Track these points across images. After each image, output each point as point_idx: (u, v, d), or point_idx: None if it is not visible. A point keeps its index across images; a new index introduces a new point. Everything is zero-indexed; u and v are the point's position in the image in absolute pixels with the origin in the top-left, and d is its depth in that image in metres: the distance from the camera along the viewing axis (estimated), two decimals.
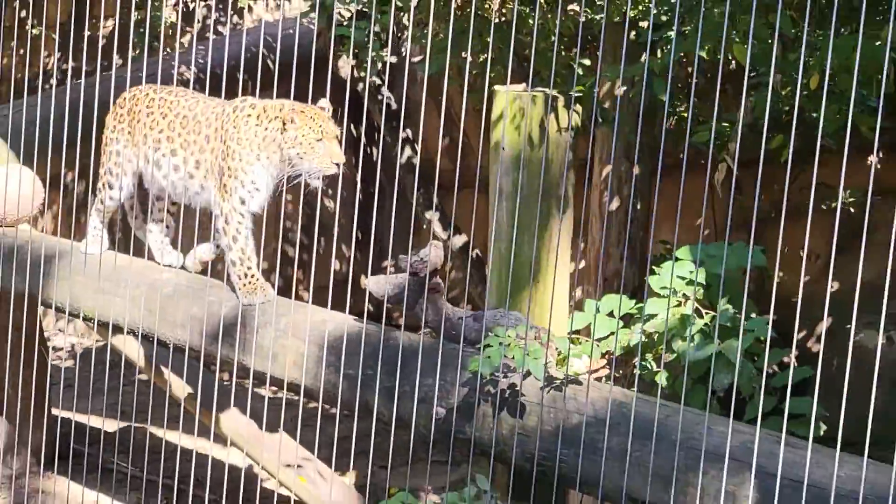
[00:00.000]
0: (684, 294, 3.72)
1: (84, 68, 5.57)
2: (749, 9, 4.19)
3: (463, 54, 5.14)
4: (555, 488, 3.35)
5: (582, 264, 6.08)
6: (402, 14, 5.55)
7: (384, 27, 5.62)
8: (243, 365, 4.07)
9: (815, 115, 4.74)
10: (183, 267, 4.54)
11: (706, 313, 3.69)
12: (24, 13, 7.91)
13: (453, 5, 4.94)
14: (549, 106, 3.89)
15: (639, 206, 5.29)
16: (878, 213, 3.58)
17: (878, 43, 4.11)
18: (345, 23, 5.75)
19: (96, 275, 4.49)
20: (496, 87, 4.17)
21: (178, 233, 4.74)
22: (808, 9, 2.78)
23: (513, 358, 3.37)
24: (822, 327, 4.86)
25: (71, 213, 7.05)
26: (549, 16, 4.94)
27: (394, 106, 6.48)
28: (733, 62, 4.92)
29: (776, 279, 5.57)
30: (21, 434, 5.84)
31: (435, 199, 6.41)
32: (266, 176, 4.13)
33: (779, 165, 3.76)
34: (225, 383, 5.40)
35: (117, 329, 4.55)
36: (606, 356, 3.70)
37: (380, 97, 6.47)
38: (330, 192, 6.96)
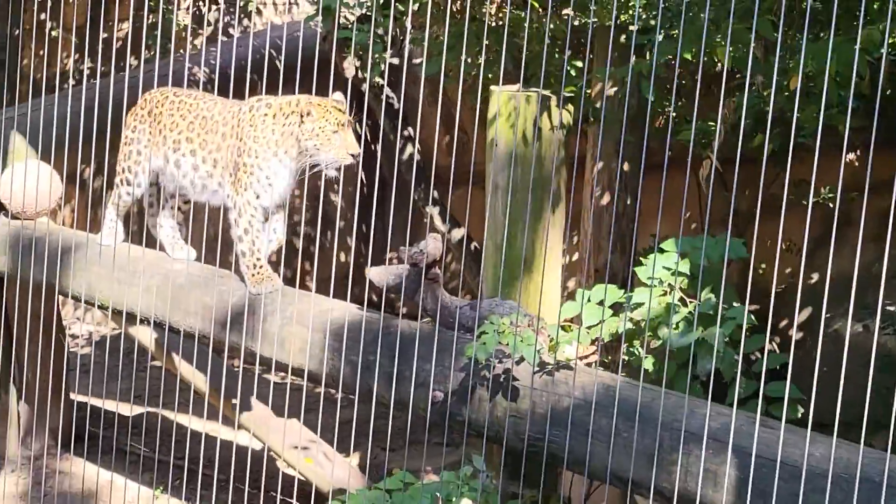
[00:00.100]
0: (669, 284, 3.75)
1: (100, 69, 5.59)
2: (734, 14, 4.23)
3: (461, 56, 5.17)
4: (543, 467, 3.36)
5: (575, 256, 6.12)
6: (402, 17, 5.58)
7: (386, 30, 5.65)
8: (251, 351, 4.08)
9: (798, 115, 4.78)
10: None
11: (690, 302, 3.72)
12: (43, 16, 7.93)
13: (448, 11, 4.98)
14: (541, 105, 3.90)
15: (628, 201, 5.31)
16: (857, 208, 3.61)
17: (856, 47, 4.14)
18: (349, 26, 5.77)
19: (112, 265, 4.51)
20: (492, 88, 4.19)
21: (189, 228, 4.77)
22: (781, 13, 2.80)
23: (507, 344, 3.37)
24: (795, 316, 4.89)
25: (88, 206, 7.08)
26: (544, 20, 4.96)
27: (396, 105, 6.50)
28: (720, 64, 4.95)
29: (759, 271, 5.62)
30: (40, 417, 5.87)
31: (435, 194, 6.43)
32: (283, 171, 4.13)
33: (762, 163, 3.78)
34: (234, 369, 5.44)
35: (132, 317, 4.56)
36: (595, 343, 3.73)
37: (382, 97, 6.50)
38: (336, 187, 6.98)
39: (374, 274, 3.79)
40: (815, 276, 5.51)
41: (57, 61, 8.13)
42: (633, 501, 3.77)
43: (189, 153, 4.36)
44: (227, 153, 4.25)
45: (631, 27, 4.89)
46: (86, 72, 7.93)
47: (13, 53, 7.99)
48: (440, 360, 3.57)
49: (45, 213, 5.11)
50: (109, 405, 6.21)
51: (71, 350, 6.99)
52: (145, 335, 4.79)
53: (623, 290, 3.86)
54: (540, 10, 5.33)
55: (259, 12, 7.90)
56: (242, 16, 7.87)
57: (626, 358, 3.87)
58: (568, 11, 5.42)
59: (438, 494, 3.44)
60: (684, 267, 3.74)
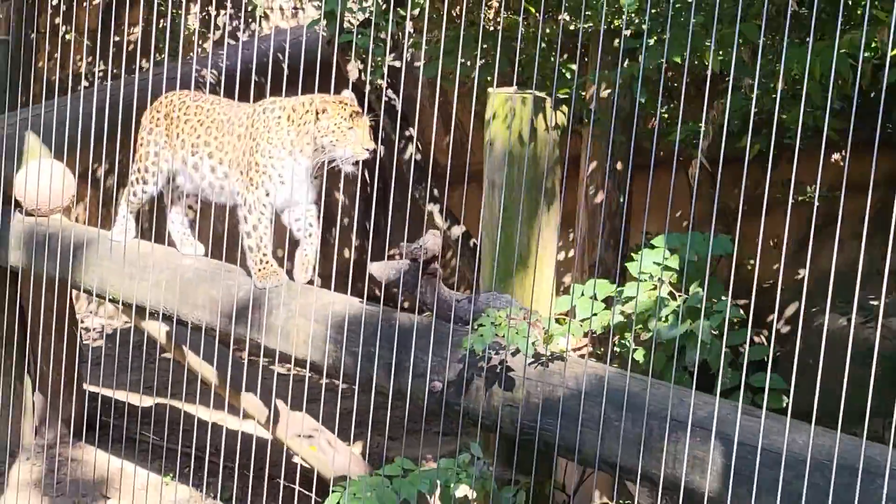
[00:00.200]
0: (658, 279, 3.76)
1: (113, 71, 5.60)
2: (723, 19, 4.25)
3: (461, 59, 5.19)
4: (535, 454, 3.38)
5: (571, 252, 6.14)
6: (403, 22, 5.60)
7: (387, 34, 5.67)
8: (257, 343, 4.10)
9: (783, 116, 4.79)
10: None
11: (678, 296, 3.74)
12: (58, 20, 7.95)
13: (445, 16, 5.00)
14: (536, 107, 3.92)
15: (621, 199, 5.33)
16: (842, 206, 3.62)
17: (842, 50, 4.16)
18: (352, 30, 5.79)
19: (123, 261, 4.53)
20: (489, 90, 4.21)
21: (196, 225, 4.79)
22: (763, 18, 2.82)
23: (503, 336, 3.39)
24: (776, 309, 4.90)
25: (101, 204, 7.10)
26: (540, 25, 4.98)
27: (397, 106, 6.53)
28: (712, 68, 4.96)
29: (748, 267, 5.64)
30: (54, 407, 5.89)
31: (434, 192, 6.45)
32: (298, 169, 4.13)
33: (751, 162, 3.81)
34: (241, 360, 5.46)
35: (142, 311, 4.58)
36: (588, 335, 3.75)
37: (383, 98, 6.52)
38: (341, 185, 7.00)
39: (375, 269, 3.81)
40: (802, 272, 5.53)
41: (70, 64, 8.15)
42: (623, 487, 3.79)
43: (207, 156, 4.37)
44: (239, 153, 4.26)
45: (624, 31, 4.90)
46: (98, 74, 7.96)
47: (28, 56, 8.01)
48: (438, 352, 3.59)
49: (58, 210, 5.12)
50: (121, 395, 6.24)
51: (84, 342, 7.02)
52: (155, 328, 4.82)
53: (614, 285, 3.88)
54: (537, 14, 5.35)
55: (266, 17, 7.92)
56: (250, 20, 7.89)
57: (617, 350, 3.88)
58: (563, 16, 5.43)
59: (437, 480, 3.46)
60: (673, 262, 3.76)
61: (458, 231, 6.43)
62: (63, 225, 5.00)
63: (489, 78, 5.09)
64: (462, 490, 3.58)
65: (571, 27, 5.52)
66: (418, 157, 6.58)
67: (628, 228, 5.41)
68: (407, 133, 6.60)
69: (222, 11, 8.01)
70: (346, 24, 5.85)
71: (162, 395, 6.27)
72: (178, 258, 4.53)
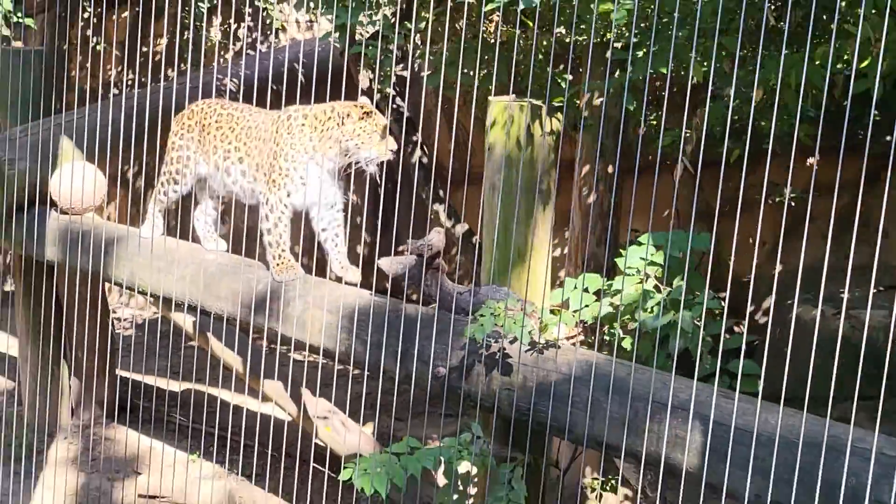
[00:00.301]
0: (645, 273, 3.82)
1: (140, 80, 5.65)
2: (706, 33, 4.30)
3: (464, 70, 5.23)
4: (529, 433, 3.43)
5: (565, 249, 6.19)
6: (410, 34, 5.65)
7: (398, 45, 5.72)
8: (275, 331, 4.12)
9: (762, 123, 4.85)
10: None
11: (663, 288, 3.80)
12: (89, 32, 8.01)
13: (447, 30, 5.05)
14: (532, 114, 3.96)
15: (612, 200, 5.38)
16: (816, 206, 3.68)
17: (816, 62, 4.21)
18: (364, 42, 5.85)
19: (151, 256, 4.55)
20: (490, 98, 4.26)
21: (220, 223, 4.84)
22: (740, 32, 2.89)
23: (501, 326, 3.41)
24: (749, 302, 4.94)
25: (130, 203, 7.17)
26: (536, 38, 5.03)
27: (405, 113, 6.58)
28: (695, 78, 5.02)
29: (729, 263, 5.69)
30: (89, 391, 5.94)
31: (440, 193, 6.50)
32: (320, 172, 4.14)
33: (731, 166, 3.86)
34: (260, 348, 5.53)
35: (169, 302, 4.60)
36: (580, 324, 3.80)
37: (393, 105, 6.58)
38: (354, 187, 7.07)
39: (384, 264, 3.85)
40: (780, 267, 5.58)
41: (101, 73, 8.21)
42: (610, 463, 3.85)
43: (237, 161, 4.40)
44: (263, 157, 4.28)
45: (615, 44, 4.96)
46: (126, 82, 8.03)
47: (61, 66, 8.07)
48: (442, 340, 3.62)
49: (91, 208, 5.14)
50: (150, 380, 6.26)
51: (116, 331, 7.07)
52: (181, 318, 4.84)
53: (604, 279, 3.93)
54: (535, 28, 5.40)
55: (283, 29, 7.97)
56: (268, 33, 7.94)
57: (606, 338, 3.94)
58: (559, 30, 5.48)
59: (441, 457, 3.52)
60: (658, 258, 3.82)
61: (461, 229, 6.48)
62: (95, 223, 5.03)
63: (489, 87, 5.14)
64: (464, 466, 3.64)
65: (566, 40, 5.57)
66: (424, 160, 6.64)
67: (618, 227, 5.46)
68: (413, 138, 6.65)
69: (242, 24, 8.07)
70: (357, 37, 5.89)
71: (188, 380, 6.31)
72: (202, 253, 4.55)
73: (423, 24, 5.53)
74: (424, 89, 5.40)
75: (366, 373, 4.05)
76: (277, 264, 4.23)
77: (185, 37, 7.29)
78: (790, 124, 4.63)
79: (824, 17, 4.45)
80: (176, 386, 6.16)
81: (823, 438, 2.80)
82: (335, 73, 6.68)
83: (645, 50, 4.47)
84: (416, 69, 6.44)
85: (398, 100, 6.53)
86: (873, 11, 3.68)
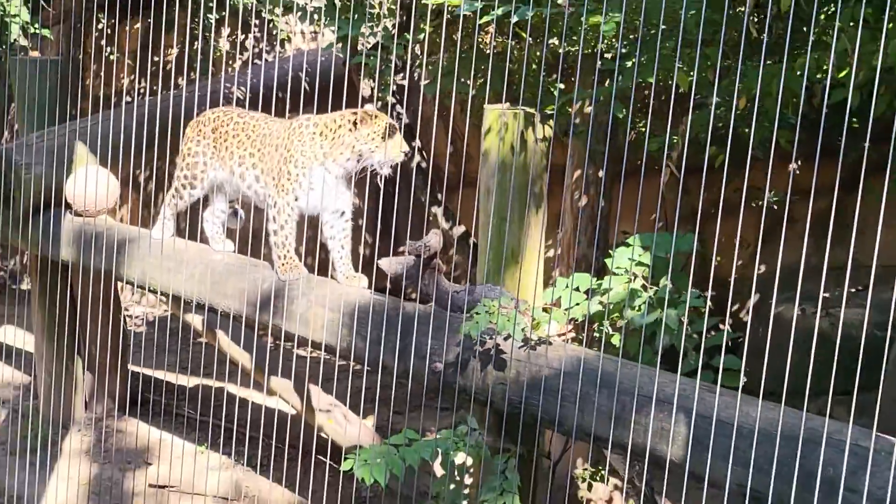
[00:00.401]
0: (633, 273, 3.83)
1: (152, 88, 5.66)
2: (691, 44, 4.31)
3: (460, 79, 5.25)
4: (521, 426, 3.43)
5: (557, 250, 6.20)
6: (409, 45, 5.67)
7: (398, 56, 5.74)
8: (280, 328, 4.14)
9: (746, 129, 4.86)
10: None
11: (650, 288, 3.81)
12: (103, 42, 8.02)
13: (444, 42, 5.07)
14: (526, 121, 3.97)
15: (602, 203, 5.39)
16: (798, 209, 3.69)
17: (797, 73, 4.22)
18: (365, 52, 5.86)
19: (162, 256, 4.56)
20: (485, 106, 4.27)
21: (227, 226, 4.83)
22: (721, 43, 2.90)
23: (495, 323, 3.42)
24: (729, 301, 4.95)
25: (142, 205, 7.18)
26: (528, 48, 5.05)
27: (405, 120, 6.59)
28: (680, 87, 5.04)
29: (715, 263, 5.70)
30: (102, 385, 5.95)
31: (438, 196, 6.51)
32: (329, 178, 4.13)
33: (715, 171, 3.87)
34: (266, 343, 5.54)
35: (179, 300, 4.61)
36: (571, 322, 3.81)
37: (393, 113, 6.59)
38: (356, 190, 7.09)
39: (384, 264, 3.86)
40: (763, 268, 5.60)
41: (114, 81, 8.22)
42: (599, 454, 3.85)
43: (251, 166, 4.40)
44: (274, 162, 4.28)
45: (605, 54, 4.97)
46: (139, 90, 8.04)
47: (76, 74, 8.08)
48: (439, 337, 3.62)
49: (104, 211, 5.15)
50: (161, 375, 6.26)
51: (128, 328, 7.08)
52: (191, 315, 4.85)
53: (594, 278, 3.94)
54: (528, 40, 5.42)
55: (288, 40, 7.98)
56: (274, 43, 7.95)
57: (596, 335, 3.95)
58: (551, 41, 5.50)
59: (438, 449, 3.52)
60: (645, 259, 3.83)
61: (457, 230, 6.49)
62: (109, 224, 5.04)
63: (484, 95, 5.15)
64: (459, 457, 3.65)
65: (558, 51, 5.59)
66: (423, 165, 6.65)
67: (607, 228, 5.47)
68: (413, 144, 6.67)
69: (249, 35, 8.09)
70: (359, 47, 5.91)
71: (197, 375, 6.32)
72: (210, 254, 4.55)
73: (421, 36, 5.55)
74: (423, 97, 5.42)
75: (366, 368, 4.04)
76: (282, 264, 4.24)
77: (195, 47, 7.30)
78: (770, 131, 4.64)
79: (804, 28, 4.47)
80: (185, 380, 6.17)
81: (801, 431, 2.81)
82: (338, 82, 6.71)
83: (633, 60, 4.49)
84: (416, 78, 6.46)
85: (398, 107, 6.55)
86: (851, 24, 3.70)
